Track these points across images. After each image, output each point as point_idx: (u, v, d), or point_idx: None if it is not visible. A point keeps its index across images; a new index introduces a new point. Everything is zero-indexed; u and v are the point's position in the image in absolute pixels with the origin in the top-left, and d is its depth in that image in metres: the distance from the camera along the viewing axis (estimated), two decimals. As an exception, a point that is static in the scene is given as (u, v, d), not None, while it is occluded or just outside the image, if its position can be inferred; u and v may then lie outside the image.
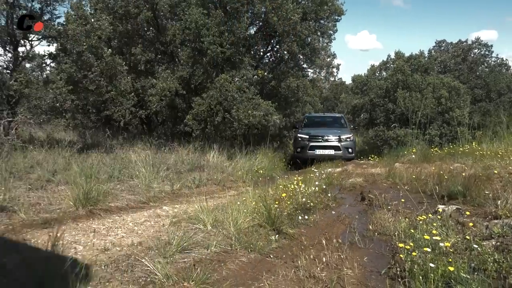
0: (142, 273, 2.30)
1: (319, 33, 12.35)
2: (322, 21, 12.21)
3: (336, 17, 12.45)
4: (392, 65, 20.53)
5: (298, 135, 11.79)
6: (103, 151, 7.22)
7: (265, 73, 12.64)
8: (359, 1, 74.56)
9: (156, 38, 11.02)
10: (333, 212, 4.24)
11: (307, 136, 11.50)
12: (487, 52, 23.58)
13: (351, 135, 11.60)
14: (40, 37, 7.47)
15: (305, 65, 13.37)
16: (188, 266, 2.39)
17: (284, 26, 10.11)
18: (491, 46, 23.29)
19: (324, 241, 2.98)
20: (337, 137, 11.27)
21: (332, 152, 11.05)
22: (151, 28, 11.26)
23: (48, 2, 7.33)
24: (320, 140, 11.29)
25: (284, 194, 4.31)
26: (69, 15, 7.47)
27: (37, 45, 7.56)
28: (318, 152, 11.07)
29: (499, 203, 3.47)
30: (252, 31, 11.74)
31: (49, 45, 7.78)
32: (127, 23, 10.26)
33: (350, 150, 11.32)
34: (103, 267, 2.36)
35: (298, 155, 11.27)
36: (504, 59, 23.98)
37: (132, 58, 10.53)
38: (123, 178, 5.42)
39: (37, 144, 6.70)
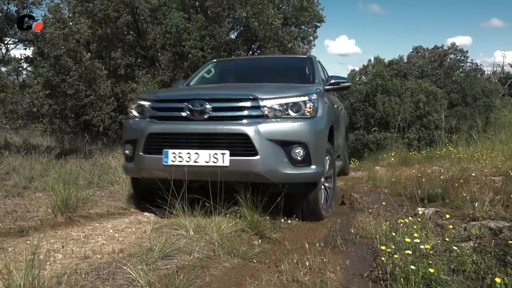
0: (124, 281, 2.26)
1: (299, 39, 12.48)
2: (302, 27, 12.34)
3: (316, 24, 12.61)
4: (372, 70, 20.91)
5: (131, 107, 4.01)
6: (82, 156, 7.09)
7: (246, 78, 12.66)
8: (337, 6, 75.68)
9: (136, 42, 10.92)
10: (315, 216, 4.26)
11: (148, 104, 3.82)
12: (462, 58, 24.29)
13: (312, 96, 3.71)
14: (16, 40, 7.32)
15: (286, 70, 13.46)
16: (171, 272, 2.37)
17: (265, 31, 10.17)
18: (466, 51, 24.01)
19: (307, 245, 2.99)
20: (251, 104, 3.52)
21: (217, 159, 3.36)
22: (131, 32, 11.16)
23: (25, 4, 7.19)
24: (186, 112, 3.55)
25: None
26: (46, 18, 7.34)
27: (13, 48, 7.41)
28: (175, 158, 3.44)
29: (476, 205, 3.56)
30: (233, 35, 11.78)
31: (25, 49, 7.66)
32: (106, 26, 10.13)
33: (302, 153, 3.44)
34: (83, 276, 2.32)
35: (130, 169, 3.87)
36: (479, 64, 24.76)
37: (111, 62, 10.41)
38: (103, 184, 5.34)
39: (13, 150, 6.53)
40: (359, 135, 17.62)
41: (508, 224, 3.05)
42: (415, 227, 3.14)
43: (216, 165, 3.37)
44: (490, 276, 2.21)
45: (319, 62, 5.73)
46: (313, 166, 3.52)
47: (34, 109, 7.37)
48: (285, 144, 3.44)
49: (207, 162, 3.39)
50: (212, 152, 3.38)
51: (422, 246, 2.62)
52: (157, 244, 2.67)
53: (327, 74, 5.66)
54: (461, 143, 7.88)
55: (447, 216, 3.48)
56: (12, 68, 7.70)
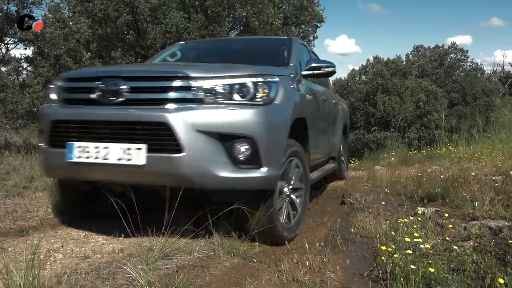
0: (124, 280, 2.27)
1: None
2: (303, 26, 12.35)
3: (316, 24, 12.62)
4: (371, 69, 20.92)
5: (49, 90, 3.15)
6: (82, 156, 7.08)
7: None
8: (337, 6, 75.70)
9: (136, 42, 10.93)
10: (315, 216, 4.26)
11: (62, 84, 3.00)
12: (462, 57, 24.33)
13: (271, 77, 2.86)
14: (16, 40, 7.33)
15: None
16: (171, 272, 2.37)
17: (265, 30, 10.17)
18: (467, 51, 24.08)
19: (306, 245, 2.99)
20: (180, 83, 2.63)
21: (131, 155, 2.54)
22: (131, 31, 11.16)
23: (25, 4, 7.19)
24: (96, 93, 2.71)
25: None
26: (46, 18, 7.35)
27: (13, 48, 7.43)
28: (82, 154, 2.64)
29: (476, 204, 3.56)
30: (233, 35, 11.77)
31: (25, 49, 7.68)
32: (106, 26, 10.14)
33: (247, 150, 2.61)
34: (83, 275, 2.32)
35: (40, 166, 3.41)
36: (479, 64, 24.79)
37: (111, 62, 10.41)
38: (103, 183, 5.33)
39: (13, 150, 6.53)
40: (359, 134, 17.65)
41: (508, 224, 3.05)
42: (415, 226, 3.14)
43: (130, 163, 2.56)
44: (490, 275, 2.21)
45: (304, 45, 5.01)
46: (263, 169, 2.67)
47: (34, 109, 7.36)
48: (224, 139, 2.58)
49: (119, 159, 2.58)
50: (125, 146, 2.58)
51: (422, 246, 2.62)
52: (157, 244, 2.67)
53: None
54: (461, 143, 7.87)
55: (447, 215, 3.48)
56: (12, 68, 7.72)
